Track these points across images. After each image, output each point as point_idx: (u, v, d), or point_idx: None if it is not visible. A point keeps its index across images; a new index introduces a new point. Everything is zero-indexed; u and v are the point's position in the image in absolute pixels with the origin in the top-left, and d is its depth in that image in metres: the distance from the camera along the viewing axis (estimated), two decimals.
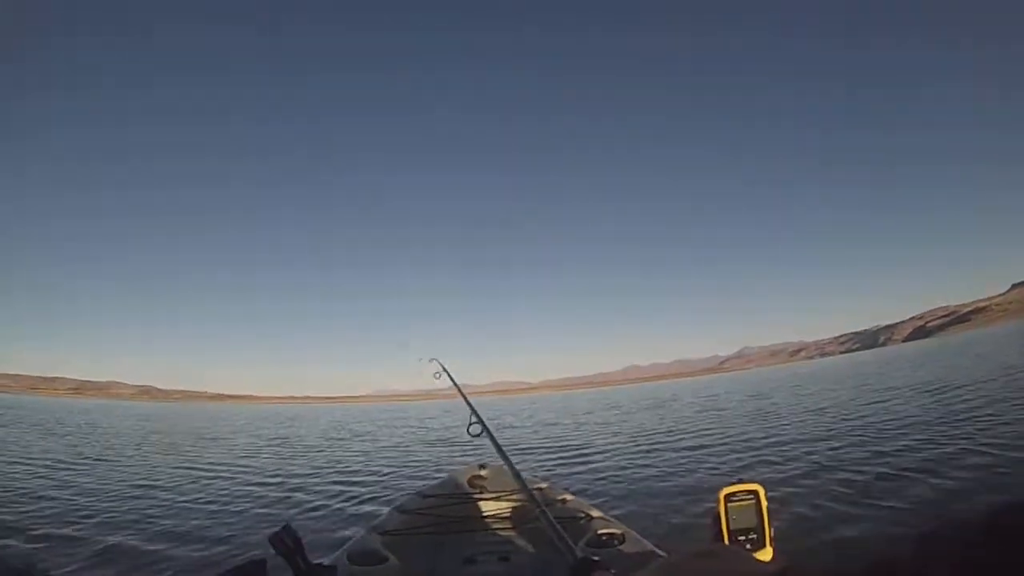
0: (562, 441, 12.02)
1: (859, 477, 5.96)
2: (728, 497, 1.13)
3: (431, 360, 3.47)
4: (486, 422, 2.42)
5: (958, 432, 7.58)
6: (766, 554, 1.12)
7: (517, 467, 2.21)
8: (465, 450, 10.91)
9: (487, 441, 2.41)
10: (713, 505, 1.15)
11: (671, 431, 12.14)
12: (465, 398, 2.80)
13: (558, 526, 1.25)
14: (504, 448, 2.19)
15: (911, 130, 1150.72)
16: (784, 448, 8.66)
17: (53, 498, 6.98)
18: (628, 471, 7.61)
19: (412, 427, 20.70)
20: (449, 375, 3.35)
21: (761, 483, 1.14)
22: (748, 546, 1.12)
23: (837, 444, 8.18)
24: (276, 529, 1.37)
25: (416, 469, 9.27)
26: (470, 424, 2.49)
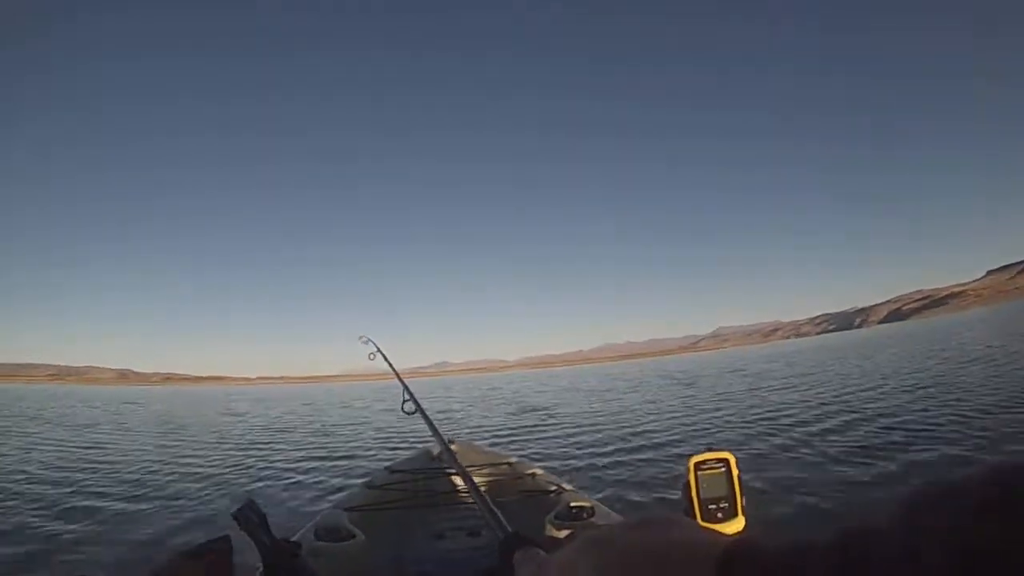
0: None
1: (836, 448, 6.11)
2: (698, 465, 1.09)
3: (365, 340, 3.35)
4: (419, 401, 2.41)
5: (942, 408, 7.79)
6: (738, 523, 1.09)
7: (488, 444, 2.21)
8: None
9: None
10: (683, 474, 1.12)
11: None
12: (399, 377, 2.79)
13: (489, 501, 1.23)
14: (437, 425, 2.19)
15: (891, 115, 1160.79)
16: (759, 418, 8.87)
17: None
18: (604, 445, 7.67)
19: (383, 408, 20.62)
20: (383, 354, 3.26)
21: (731, 451, 1.11)
22: (719, 515, 1.09)
23: (815, 417, 8.36)
24: (240, 505, 1.33)
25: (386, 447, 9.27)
26: (404, 402, 2.48)
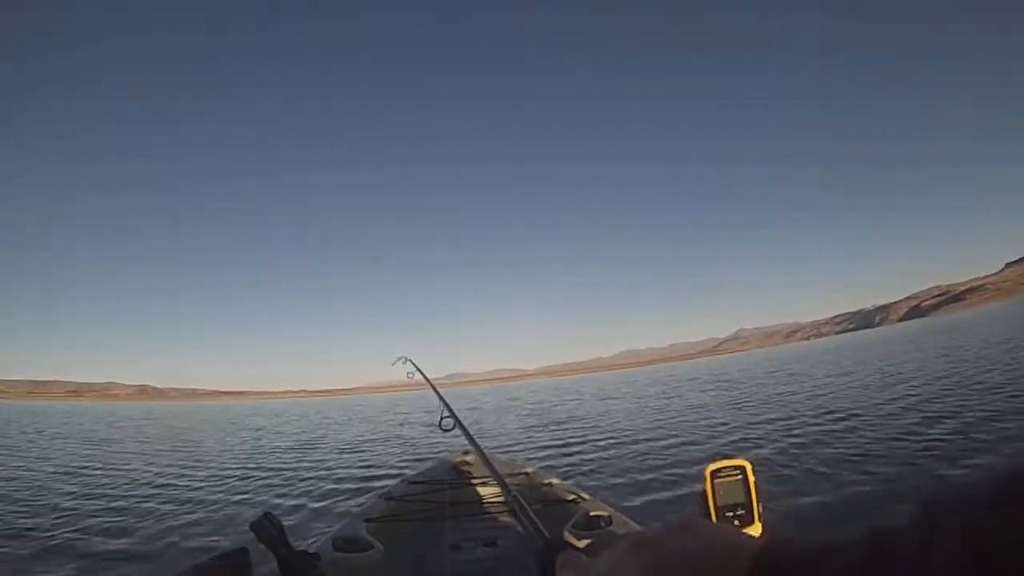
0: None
1: (851, 451, 6.03)
2: (715, 473, 1.09)
3: (404, 360, 3.50)
4: (459, 415, 2.40)
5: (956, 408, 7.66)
6: (755, 530, 1.08)
7: (505, 454, 2.20)
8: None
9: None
10: (700, 483, 1.12)
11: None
12: (438, 393, 2.83)
13: (529, 510, 1.22)
14: (477, 439, 2.18)
15: (905, 108, 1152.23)
16: (774, 424, 8.73)
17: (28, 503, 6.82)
18: (617, 454, 7.60)
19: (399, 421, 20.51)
20: (421, 373, 3.37)
21: (748, 458, 1.11)
22: (736, 522, 1.08)
23: (830, 420, 8.27)
24: (258, 516, 1.35)
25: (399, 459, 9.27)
26: (442, 418, 2.47)
